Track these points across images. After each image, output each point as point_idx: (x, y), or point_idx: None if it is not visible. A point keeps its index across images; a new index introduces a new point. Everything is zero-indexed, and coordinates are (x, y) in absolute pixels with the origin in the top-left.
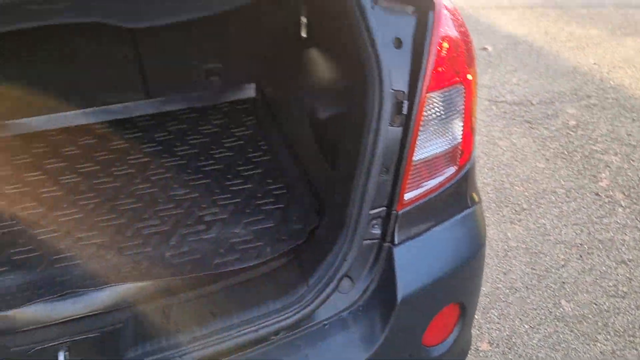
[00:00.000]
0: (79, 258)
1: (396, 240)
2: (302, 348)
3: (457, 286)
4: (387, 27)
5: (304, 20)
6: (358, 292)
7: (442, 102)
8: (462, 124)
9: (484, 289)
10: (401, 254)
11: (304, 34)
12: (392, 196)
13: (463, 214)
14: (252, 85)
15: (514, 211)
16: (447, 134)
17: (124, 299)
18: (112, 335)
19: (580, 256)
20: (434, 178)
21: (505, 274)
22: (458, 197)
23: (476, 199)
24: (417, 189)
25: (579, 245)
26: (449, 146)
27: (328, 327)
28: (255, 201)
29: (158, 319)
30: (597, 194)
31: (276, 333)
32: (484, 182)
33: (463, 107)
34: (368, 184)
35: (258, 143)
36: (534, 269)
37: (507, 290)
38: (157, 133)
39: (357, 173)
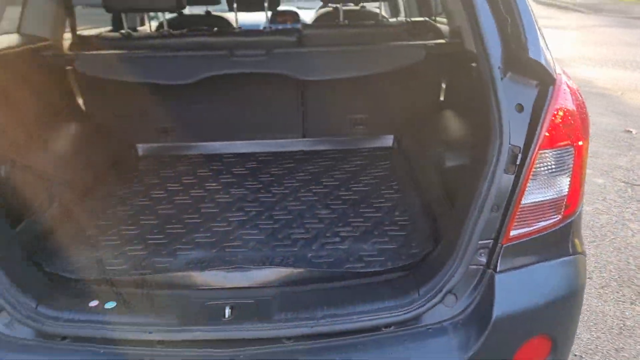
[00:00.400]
0: (242, 247)
1: (498, 268)
2: (407, 343)
3: (550, 320)
4: (512, 95)
5: (443, 86)
6: (460, 307)
7: (553, 159)
8: (569, 180)
9: None
10: (501, 281)
11: (442, 97)
12: (500, 231)
13: (563, 258)
14: (391, 137)
15: (635, 292)
16: (554, 186)
17: (274, 280)
18: (264, 303)
19: None
20: (538, 222)
21: (617, 351)
22: (560, 243)
23: (579, 249)
24: (522, 228)
25: None
26: (555, 196)
27: (431, 330)
28: (383, 227)
29: (297, 298)
30: None
31: (387, 326)
32: (608, 260)
33: (572, 166)
34: (480, 218)
35: (390, 183)
36: None
37: None
38: (308, 166)
39: (472, 209)
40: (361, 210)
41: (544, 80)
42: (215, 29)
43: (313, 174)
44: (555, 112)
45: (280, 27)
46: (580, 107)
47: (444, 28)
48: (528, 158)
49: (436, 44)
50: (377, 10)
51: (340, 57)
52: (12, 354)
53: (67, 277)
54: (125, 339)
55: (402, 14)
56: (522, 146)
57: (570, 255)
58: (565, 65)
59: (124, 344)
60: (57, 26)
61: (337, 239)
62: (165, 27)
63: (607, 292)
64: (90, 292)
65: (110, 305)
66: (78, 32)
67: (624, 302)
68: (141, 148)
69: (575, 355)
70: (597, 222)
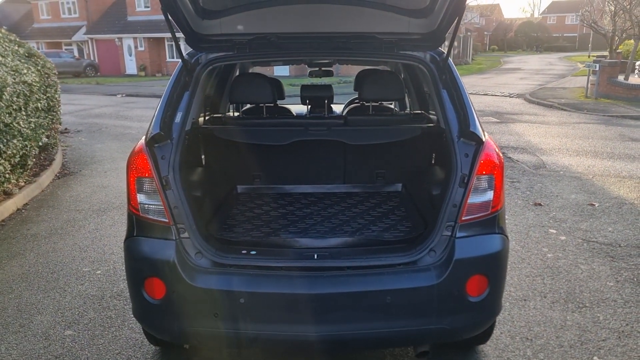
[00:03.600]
0: (318, 232)
1: (457, 236)
2: (410, 273)
3: (484, 265)
4: (463, 149)
5: (433, 154)
6: (437, 257)
7: (483, 180)
8: (492, 192)
9: None
10: (458, 243)
11: (433, 161)
12: (457, 217)
13: (491, 234)
14: (400, 184)
15: (577, 306)
16: (485, 195)
17: (334, 244)
18: (332, 252)
19: None
20: (478, 213)
21: (557, 338)
22: (490, 226)
23: (501, 231)
24: (468, 216)
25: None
26: (486, 200)
27: (422, 268)
28: (396, 227)
29: (349, 251)
30: None
31: (399, 265)
32: (560, 287)
33: (494, 184)
34: (447, 211)
35: (400, 209)
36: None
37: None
38: (347, 200)
39: (443, 207)
40: (383, 220)
41: (478, 141)
42: (295, 113)
43: (351, 204)
44: (484, 157)
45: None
46: (498, 154)
47: (434, 117)
48: (470, 179)
49: (427, 126)
50: (391, 106)
51: (372, 132)
52: (202, 274)
53: (227, 239)
54: (262, 266)
55: (408, 108)
56: (467, 173)
57: (496, 233)
58: (547, 153)
59: (261, 269)
60: (199, 111)
61: (370, 231)
62: (264, 113)
63: (556, 305)
64: (240, 247)
65: (253, 252)
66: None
67: (566, 310)
68: (239, 188)
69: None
70: (556, 264)
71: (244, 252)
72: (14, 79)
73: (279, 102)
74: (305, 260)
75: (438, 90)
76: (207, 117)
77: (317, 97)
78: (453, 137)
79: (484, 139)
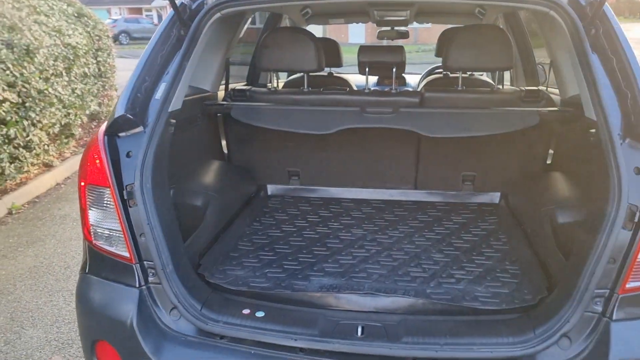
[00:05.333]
0: (367, 279)
1: (614, 317)
2: None
3: None
4: (630, 158)
5: (551, 151)
6: (574, 351)
7: None
8: None
9: None
10: (617, 329)
11: (548, 161)
12: (616, 282)
13: None
14: (497, 194)
15: None
16: None
17: (398, 308)
18: (391, 327)
19: None
20: None
21: None
22: None
23: None
24: (637, 282)
25: None
26: None
27: None
28: (495, 273)
29: (421, 325)
30: None
31: None
32: None
33: None
34: (597, 269)
35: (499, 235)
36: None
37: None
38: (418, 215)
39: (589, 260)
40: (472, 257)
41: None
42: (347, 89)
43: (424, 223)
44: None
45: (387, 88)
46: None
47: (555, 97)
48: None
49: (550, 111)
50: (486, 79)
51: (460, 118)
52: (178, 346)
53: (224, 287)
54: (273, 343)
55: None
56: (639, 205)
57: None
58: None
59: (271, 348)
60: (216, 81)
61: (453, 280)
62: (306, 85)
63: None
64: (243, 302)
65: (260, 314)
66: (230, 86)
67: None
68: (270, 188)
69: None
70: None
71: (246, 311)
72: (54, 40)
73: (334, 70)
74: (342, 338)
75: (584, 54)
76: (230, 90)
77: (381, 62)
78: (612, 135)
79: None
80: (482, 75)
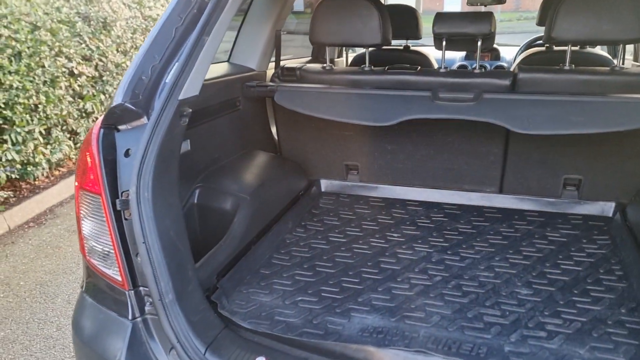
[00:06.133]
0: (425, 321)
1: None
2: None
3: None
4: None
5: None
6: None
7: None
8: None
9: None
10: None
11: None
12: None
13: None
14: (611, 204)
15: None
16: None
17: None
18: None
19: None
20: None
21: None
22: None
23: None
24: None
25: None
26: None
27: None
28: (605, 327)
29: None
30: None
31: None
32: None
33: None
34: None
35: (612, 266)
36: None
37: None
38: (503, 227)
39: None
40: (573, 298)
41: None
42: (418, 67)
43: (510, 239)
44: None
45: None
46: None
47: None
48: None
49: None
50: (604, 54)
51: (566, 109)
52: None
53: (237, 324)
54: None
55: (630, 57)
56: None
57: None
58: None
59: None
60: (263, 57)
61: (543, 334)
62: (367, 62)
63: None
64: (259, 346)
65: None
66: (282, 63)
67: None
68: (324, 184)
69: None
70: None
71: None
72: (134, 12)
73: (411, 43)
74: None
75: None
76: (279, 68)
77: (462, 34)
78: None
79: None
80: (596, 48)
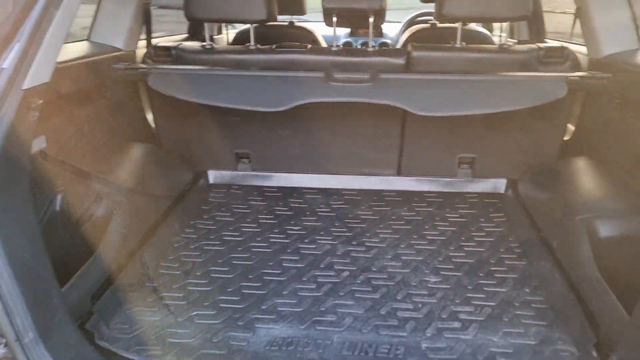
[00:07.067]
0: (337, 326)
1: None
2: None
3: None
4: None
5: (571, 127)
6: None
7: None
8: None
9: None
10: None
11: (566, 137)
12: None
13: None
14: (503, 181)
15: None
16: None
17: None
18: None
19: None
20: None
21: None
22: None
23: None
24: None
25: None
26: None
27: None
28: (513, 310)
29: None
30: None
31: None
32: None
33: None
34: None
35: (510, 244)
36: None
37: None
38: (404, 211)
39: None
40: (480, 281)
41: None
42: (309, 45)
43: (412, 223)
44: None
45: (361, 40)
46: None
47: (581, 56)
48: None
49: (582, 77)
50: (484, 30)
51: (462, 88)
52: None
53: (121, 355)
54: None
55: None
56: None
57: None
58: None
59: None
60: (130, 35)
61: (457, 324)
62: (252, 40)
63: None
64: None
65: None
66: (153, 42)
67: None
68: (212, 175)
69: None
70: None
71: None
72: None
73: (296, 19)
74: None
75: None
76: (150, 48)
77: (353, 10)
78: None
79: None
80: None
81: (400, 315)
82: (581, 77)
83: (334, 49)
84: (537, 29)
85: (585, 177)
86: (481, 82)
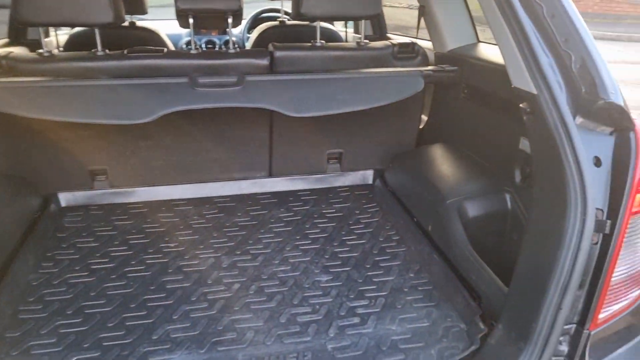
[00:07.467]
0: (239, 342)
1: None
2: None
3: None
4: (589, 145)
5: (424, 117)
6: None
7: None
8: None
9: None
10: None
11: (421, 126)
12: (586, 314)
13: None
14: (370, 172)
15: None
16: None
17: None
18: None
19: None
20: (627, 297)
21: None
22: None
23: None
24: (610, 307)
25: None
26: None
27: None
28: (404, 296)
29: None
30: None
31: None
32: None
33: None
34: (564, 300)
35: (388, 232)
36: None
37: None
38: (281, 212)
39: (551, 288)
40: (369, 273)
41: (622, 126)
42: (165, 49)
43: (292, 224)
44: None
45: (205, 38)
46: None
47: (426, 51)
48: (617, 225)
49: (434, 70)
50: (333, 27)
51: (330, 87)
52: None
53: None
54: None
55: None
56: (605, 210)
57: None
58: None
59: None
60: None
61: (356, 320)
62: (99, 46)
63: None
64: None
65: None
66: None
67: None
68: (64, 197)
69: None
70: None
71: None
72: None
73: (138, 19)
74: None
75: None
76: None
77: (210, 10)
78: (564, 115)
79: (634, 120)
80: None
81: (300, 320)
82: (434, 70)
83: (193, 52)
84: (379, 25)
85: (445, 161)
86: (347, 79)
